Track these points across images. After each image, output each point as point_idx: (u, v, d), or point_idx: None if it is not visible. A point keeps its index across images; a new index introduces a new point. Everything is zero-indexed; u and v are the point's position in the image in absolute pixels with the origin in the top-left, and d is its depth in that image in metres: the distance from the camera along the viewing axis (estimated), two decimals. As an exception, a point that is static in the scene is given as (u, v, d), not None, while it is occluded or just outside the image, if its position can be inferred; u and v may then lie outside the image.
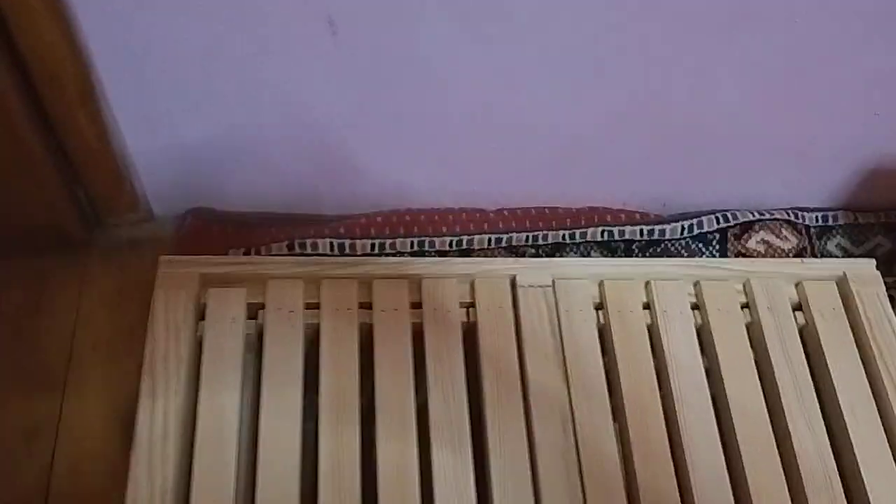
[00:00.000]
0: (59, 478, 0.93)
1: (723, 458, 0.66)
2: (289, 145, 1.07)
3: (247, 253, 0.91)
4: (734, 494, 0.64)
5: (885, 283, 1.23)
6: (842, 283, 0.75)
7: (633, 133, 1.10)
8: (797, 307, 0.75)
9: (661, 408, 0.67)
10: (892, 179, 1.22)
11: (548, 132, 1.09)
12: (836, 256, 0.96)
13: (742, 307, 0.74)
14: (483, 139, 1.09)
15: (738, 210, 1.07)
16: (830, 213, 1.03)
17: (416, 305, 0.70)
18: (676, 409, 0.67)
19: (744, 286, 0.74)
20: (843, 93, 1.06)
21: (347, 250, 0.90)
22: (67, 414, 0.97)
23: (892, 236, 1.24)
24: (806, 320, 0.74)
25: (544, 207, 1.05)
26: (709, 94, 1.06)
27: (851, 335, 0.72)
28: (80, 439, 0.91)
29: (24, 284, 1.06)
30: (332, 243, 0.90)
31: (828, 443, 0.67)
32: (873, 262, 0.76)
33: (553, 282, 0.72)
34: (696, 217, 0.97)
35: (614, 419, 0.67)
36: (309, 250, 0.88)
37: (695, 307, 0.74)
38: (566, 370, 0.68)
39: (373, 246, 0.91)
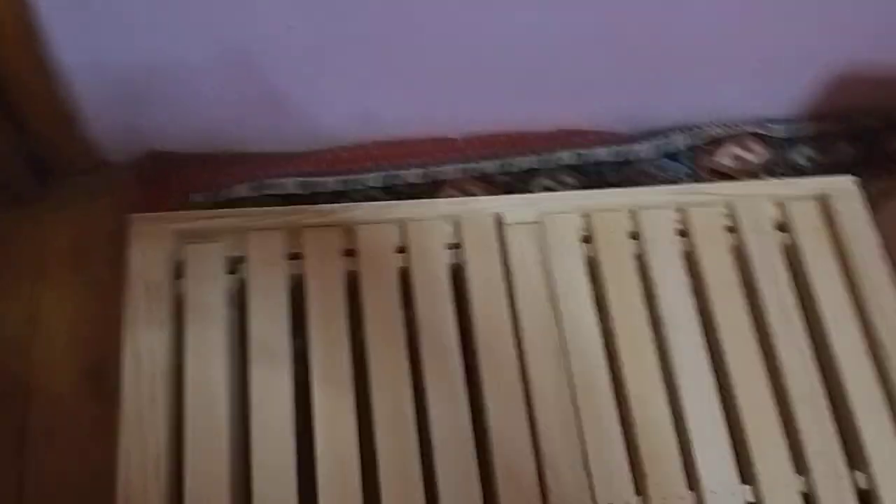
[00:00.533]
0: (35, 441, 0.91)
1: (711, 375, 0.67)
2: (245, 76, 1.01)
3: (210, 196, 0.87)
4: (724, 408, 0.65)
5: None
6: (823, 201, 0.75)
7: (597, 48, 1.08)
8: (781, 228, 0.75)
9: (651, 334, 0.68)
10: (856, 86, 1.22)
11: (513, 51, 1.05)
12: (804, 166, 0.96)
13: (728, 230, 0.73)
14: (448, 62, 1.05)
15: (705, 125, 1.06)
16: (796, 125, 1.03)
17: (402, 250, 0.69)
18: (665, 333, 0.67)
19: (728, 210, 0.74)
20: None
21: (317, 188, 0.87)
22: (35, 373, 0.94)
23: (857, 144, 1.25)
24: (790, 241, 0.74)
25: (513, 133, 1.03)
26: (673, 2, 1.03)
27: (834, 251, 0.73)
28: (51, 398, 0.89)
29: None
30: (299, 182, 0.87)
31: (812, 357, 0.68)
32: (852, 178, 0.76)
33: (539, 218, 0.70)
34: (665, 135, 0.96)
35: (606, 347, 0.67)
36: (276, 190, 0.85)
37: (681, 233, 0.73)
38: (556, 306, 0.67)
39: (343, 183, 0.88)
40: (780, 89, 1.18)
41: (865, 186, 1.00)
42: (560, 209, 0.71)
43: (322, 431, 0.60)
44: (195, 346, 0.61)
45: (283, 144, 1.03)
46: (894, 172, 1.16)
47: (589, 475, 0.62)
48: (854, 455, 0.67)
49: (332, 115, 1.05)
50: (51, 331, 0.97)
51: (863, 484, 0.65)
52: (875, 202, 0.80)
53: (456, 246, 0.70)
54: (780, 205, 0.75)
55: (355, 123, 1.05)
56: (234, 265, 0.66)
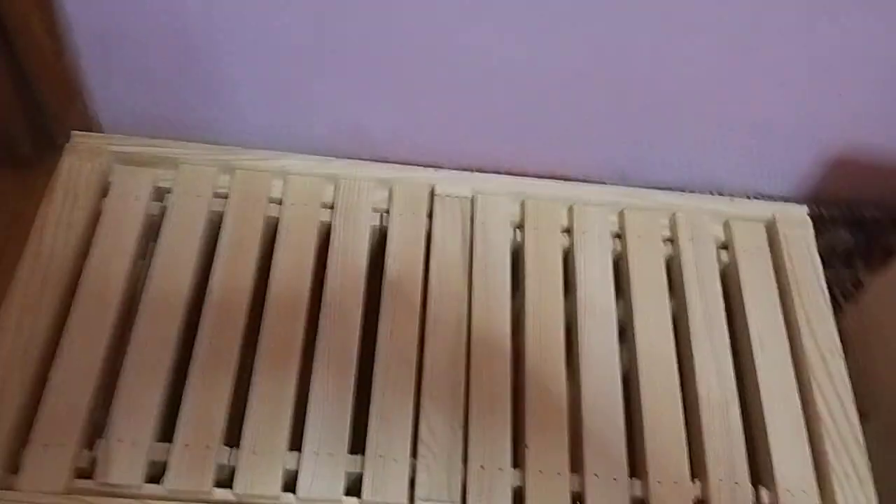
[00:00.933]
0: None
1: (618, 368, 0.64)
2: (246, 73, 1.06)
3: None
4: (626, 408, 0.62)
5: (846, 275, 1.21)
6: (770, 226, 0.73)
7: (594, 94, 1.09)
8: (723, 246, 0.73)
9: (562, 327, 0.66)
10: (858, 172, 1.20)
11: (511, 88, 1.08)
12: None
13: (666, 240, 0.72)
14: (446, 91, 1.08)
15: (696, 192, 1.05)
16: (793, 203, 1.01)
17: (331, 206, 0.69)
18: (579, 322, 0.65)
19: (670, 220, 0.73)
20: (802, 67, 1.05)
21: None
22: None
23: (856, 233, 1.22)
24: (729, 259, 0.72)
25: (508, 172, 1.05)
26: (668, 55, 1.05)
27: (773, 274, 0.71)
28: None
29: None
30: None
31: (731, 368, 0.65)
32: (805, 207, 0.74)
33: (473, 195, 0.71)
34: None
35: (513, 324, 0.65)
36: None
37: (617, 236, 0.72)
38: (470, 279, 0.66)
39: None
40: (775, 164, 1.17)
41: (862, 277, 0.98)
42: (495, 191, 0.71)
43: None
44: (100, 249, 0.63)
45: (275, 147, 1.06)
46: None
47: (466, 439, 0.59)
48: (762, 470, 0.62)
49: (323, 124, 1.08)
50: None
51: (766, 501, 0.60)
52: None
53: (386, 212, 0.70)
54: (727, 223, 0.73)
55: (345, 136, 1.07)
56: (162, 195, 0.68)
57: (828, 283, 0.71)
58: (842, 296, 1.17)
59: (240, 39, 0.99)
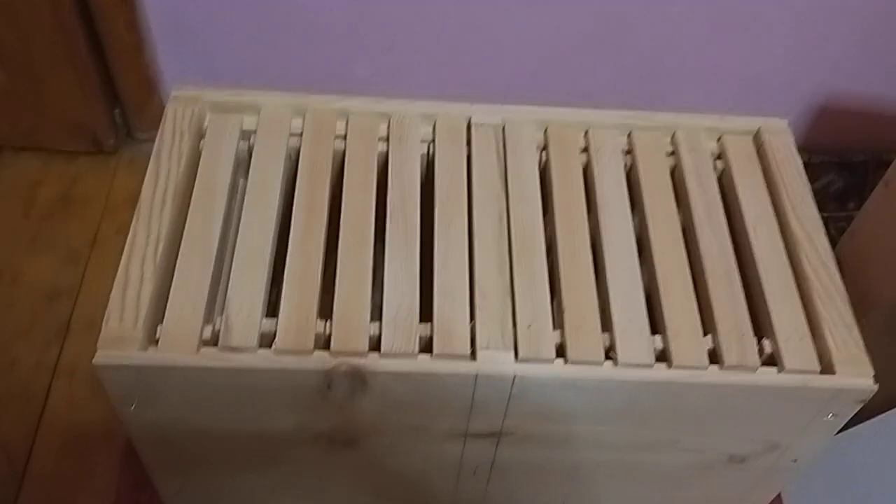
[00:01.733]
0: (74, 332, 1.06)
1: (634, 249, 0.76)
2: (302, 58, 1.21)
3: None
4: (643, 276, 0.75)
5: (838, 217, 1.33)
6: (756, 136, 0.86)
7: (594, 58, 1.24)
8: (718, 157, 0.86)
9: (586, 223, 0.78)
10: (840, 119, 1.33)
11: (517, 51, 1.23)
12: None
13: (668, 154, 0.85)
14: (459, 49, 1.22)
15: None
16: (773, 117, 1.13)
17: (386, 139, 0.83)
18: (598, 217, 0.78)
19: (671, 137, 0.86)
20: (783, 20, 1.19)
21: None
22: (88, 281, 1.11)
23: (846, 176, 1.35)
24: (724, 166, 0.85)
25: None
26: (661, 18, 1.19)
27: (761, 174, 0.83)
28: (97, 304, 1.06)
29: (58, 181, 1.22)
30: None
31: (730, 247, 0.78)
32: (785, 120, 0.87)
33: (503, 122, 0.84)
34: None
35: (545, 224, 0.78)
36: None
37: (627, 153, 0.85)
38: (507, 188, 0.79)
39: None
40: (765, 115, 1.30)
41: (854, 215, 1.09)
42: (522, 119, 0.85)
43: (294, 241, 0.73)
44: (205, 171, 0.77)
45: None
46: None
47: (514, 305, 0.72)
48: (763, 325, 0.75)
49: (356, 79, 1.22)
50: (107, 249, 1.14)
51: (768, 349, 0.73)
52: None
53: (432, 142, 0.84)
54: (720, 138, 0.86)
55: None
56: (248, 135, 0.82)
57: (823, 221, 0.81)
58: (837, 232, 1.30)
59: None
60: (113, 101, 1.20)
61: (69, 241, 1.15)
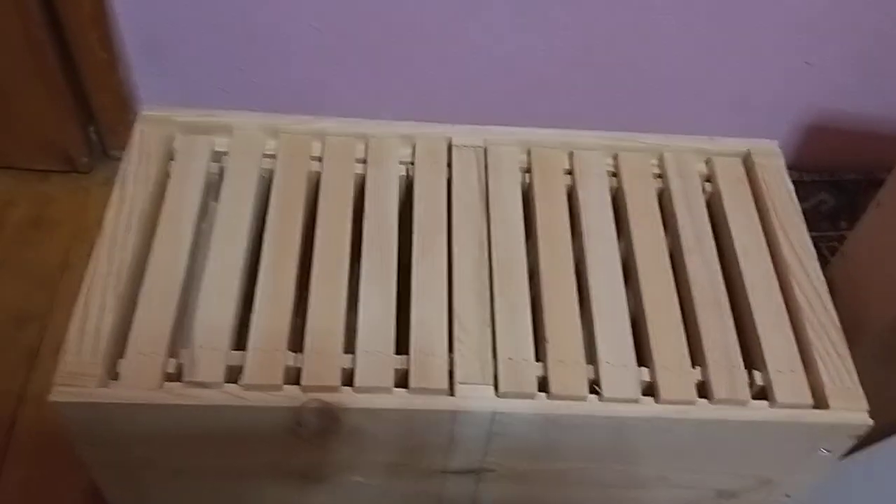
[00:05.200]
0: (44, 358, 1.02)
1: (620, 277, 0.73)
2: (288, 81, 1.18)
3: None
4: (630, 306, 0.72)
5: (830, 236, 1.31)
6: (746, 158, 0.83)
7: (584, 79, 1.21)
8: (707, 179, 0.83)
9: (570, 249, 0.75)
10: (831, 138, 1.30)
11: (500, 72, 1.20)
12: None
13: (656, 176, 0.82)
14: (445, 69, 1.19)
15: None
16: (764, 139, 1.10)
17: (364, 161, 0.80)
18: (583, 243, 0.75)
19: (658, 159, 0.83)
20: (771, 40, 1.16)
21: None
22: (59, 306, 1.07)
23: (838, 195, 1.33)
24: (713, 190, 0.82)
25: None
26: (649, 39, 1.17)
27: (751, 198, 0.81)
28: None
29: (29, 202, 1.18)
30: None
31: (720, 275, 0.75)
32: (776, 142, 0.84)
33: (484, 144, 0.81)
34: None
35: (528, 246, 0.75)
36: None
37: (612, 175, 0.82)
38: (488, 212, 0.76)
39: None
40: (755, 136, 1.28)
41: (847, 235, 1.06)
42: (504, 141, 0.82)
43: (265, 285, 0.70)
44: (172, 198, 0.74)
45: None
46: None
47: (494, 336, 0.69)
48: (754, 356, 0.72)
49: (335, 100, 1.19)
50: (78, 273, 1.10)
51: (759, 382, 0.70)
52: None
53: (410, 163, 0.80)
54: (708, 160, 0.84)
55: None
56: (219, 157, 0.79)
57: (815, 241, 0.79)
58: (828, 252, 1.27)
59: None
60: (87, 118, 1.16)
61: (40, 264, 1.12)
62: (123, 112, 1.15)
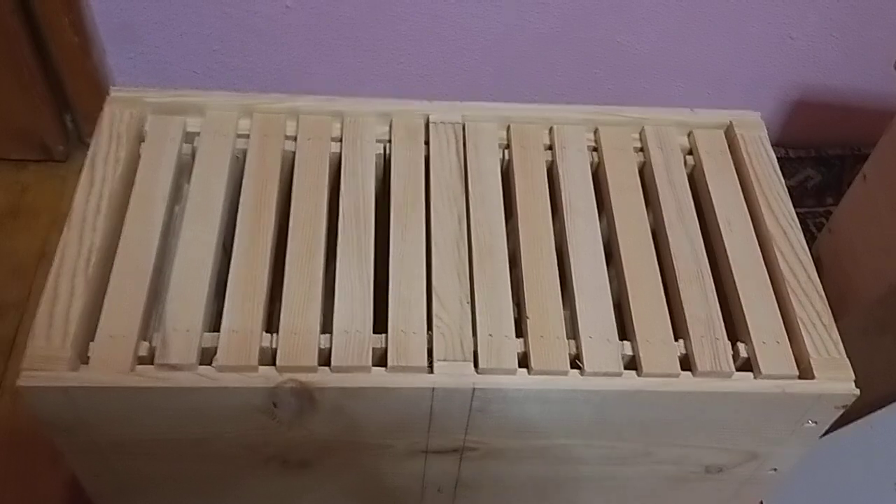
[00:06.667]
0: (20, 348, 1.00)
1: (601, 251, 0.72)
2: (264, 62, 1.17)
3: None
4: (611, 279, 0.71)
5: (817, 213, 1.30)
6: (728, 130, 0.82)
7: (559, 56, 1.20)
8: (688, 152, 0.82)
9: (550, 224, 0.74)
10: (815, 114, 1.30)
11: (479, 49, 1.19)
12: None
13: (636, 150, 0.81)
14: (422, 46, 1.18)
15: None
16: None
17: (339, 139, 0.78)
18: (564, 218, 0.74)
19: (639, 133, 0.82)
20: (752, 15, 1.15)
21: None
22: (35, 296, 1.05)
23: (823, 171, 1.32)
24: (695, 162, 0.81)
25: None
26: (629, 15, 1.15)
27: (734, 169, 0.79)
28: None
29: (5, 191, 1.16)
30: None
31: (703, 247, 0.74)
32: (758, 113, 0.83)
33: (462, 121, 0.80)
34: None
35: (507, 224, 0.74)
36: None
37: (593, 150, 0.81)
38: (467, 188, 0.75)
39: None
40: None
41: (833, 210, 1.05)
42: (483, 116, 0.80)
43: (238, 268, 0.68)
44: (143, 178, 0.72)
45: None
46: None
47: (474, 313, 0.68)
48: (738, 328, 0.71)
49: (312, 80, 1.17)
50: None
51: (743, 354, 0.69)
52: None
53: (388, 141, 0.79)
54: (690, 133, 0.82)
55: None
56: (192, 138, 0.77)
57: (801, 218, 0.78)
58: (815, 227, 1.26)
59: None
60: (62, 105, 1.14)
61: (16, 253, 1.10)
62: (99, 98, 1.12)
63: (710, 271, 0.72)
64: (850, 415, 0.77)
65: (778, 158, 0.81)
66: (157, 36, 1.10)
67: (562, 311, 0.69)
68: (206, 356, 0.64)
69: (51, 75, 1.11)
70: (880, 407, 0.91)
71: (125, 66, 1.11)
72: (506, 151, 0.80)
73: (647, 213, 0.77)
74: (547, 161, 0.80)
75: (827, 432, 0.73)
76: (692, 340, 0.68)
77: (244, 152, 0.76)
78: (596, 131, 0.82)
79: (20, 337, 1.02)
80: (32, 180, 1.17)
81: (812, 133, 1.29)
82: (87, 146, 1.20)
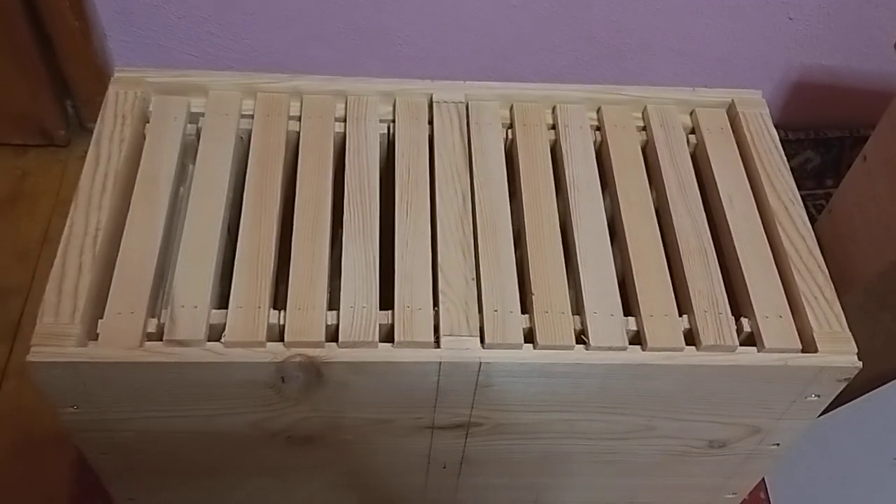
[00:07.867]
0: (25, 332, 1.01)
1: (605, 227, 0.73)
2: (262, 45, 1.16)
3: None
4: (615, 254, 0.71)
5: (817, 194, 1.31)
6: (730, 109, 0.83)
7: (560, 37, 1.20)
8: (691, 131, 0.82)
9: (554, 202, 0.75)
10: (814, 95, 1.30)
11: (480, 30, 1.19)
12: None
13: (639, 129, 0.81)
14: (422, 28, 1.17)
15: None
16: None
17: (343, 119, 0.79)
18: (567, 195, 0.75)
19: (641, 111, 0.82)
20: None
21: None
22: (39, 280, 1.05)
23: (823, 153, 1.32)
24: (697, 140, 0.81)
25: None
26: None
27: (735, 147, 0.80)
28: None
29: (6, 176, 1.16)
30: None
31: (705, 223, 0.74)
32: (759, 91, 0.84)
33: (465, 100, 0.80)
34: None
35: (511, 201, 0.74)
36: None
37: (596, 129, 0.81)
38: (471, 166, 0.75)
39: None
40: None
41: (830, 195, 1.04)
42: (486, 96, 0.81)
43: (244, 252, 0.68)
44: (149, 157, 0.72)
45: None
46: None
47: (479, 289, 0.68)
48: (741, 303, 0.71)
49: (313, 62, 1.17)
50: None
51: (747, 328, 0.69)
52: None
53: (391, 121, 0.79)
54: (692, 112, 0.83)
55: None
56: (196, 118, 0.77)
57: (802, 199, 0.77)
58: (814, 209, 1.27)
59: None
60: (62, 90, 1.14)
61: (19, 238, 1.10)
62: (99, 83, 1.13)
63: (713, 247, 0.73)
64: (849, 392, 0.78)
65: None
66: (154, 20, 1.10)
67: (566, 286, 0.69)
68: (214, 333, 0.65)
69: (51, 60, 1.11)
70: (880, 384, 0.91)
71: (125, 52, 1.11)
72: (509, 131, 0.80)
73: (650, 190, 0.77)
74: (550, 140, 0.80)
75: (827, 409, 0.74)
76: (696, 315, 0.69)
77: (248, 132, 0.77)
78: (598, 110, 0.82)
79: (25, 321, 1.02)
80: (33, 165, 1.17)
81: (811, 115, 1.30)
82: (87, 131, 1.21)
